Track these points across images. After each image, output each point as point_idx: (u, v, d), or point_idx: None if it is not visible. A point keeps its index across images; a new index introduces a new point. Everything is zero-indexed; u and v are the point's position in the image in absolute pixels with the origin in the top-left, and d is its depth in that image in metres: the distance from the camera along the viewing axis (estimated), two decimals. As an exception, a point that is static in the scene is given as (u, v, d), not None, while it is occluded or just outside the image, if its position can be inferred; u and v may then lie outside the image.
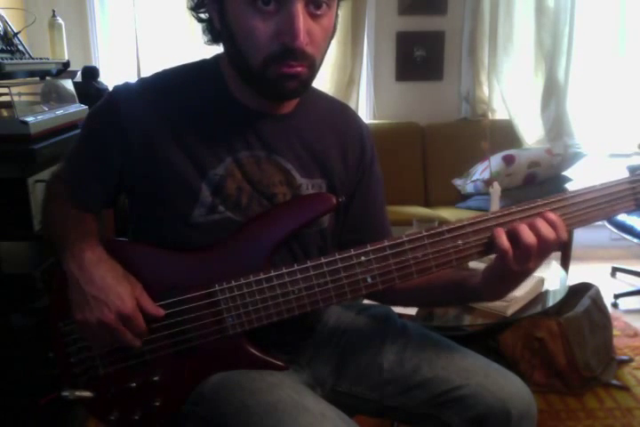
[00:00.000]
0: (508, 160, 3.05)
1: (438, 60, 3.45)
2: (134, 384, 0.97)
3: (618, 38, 3.34)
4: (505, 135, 3.24)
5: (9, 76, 1.60)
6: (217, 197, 0.97)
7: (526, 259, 0.90)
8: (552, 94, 3.33)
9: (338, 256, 0.93)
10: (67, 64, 1.97)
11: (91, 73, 2.33)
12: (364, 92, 3.47)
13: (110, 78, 2.87)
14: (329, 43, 0.94)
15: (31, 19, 2.14)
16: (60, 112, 1.76)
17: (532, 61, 3.34)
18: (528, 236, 0.88)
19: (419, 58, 3.43)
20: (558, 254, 2.84)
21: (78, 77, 2.28)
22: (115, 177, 1.01)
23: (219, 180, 0.97)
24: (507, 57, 3.32)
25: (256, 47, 0.87)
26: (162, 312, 0.94)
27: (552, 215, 0.90)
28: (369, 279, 0.93)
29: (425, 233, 0.92)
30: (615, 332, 2.41)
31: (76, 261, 0.93)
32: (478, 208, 3.00)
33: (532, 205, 0.93)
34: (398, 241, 0.92)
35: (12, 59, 1.62)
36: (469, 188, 3.16)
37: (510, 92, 3.36)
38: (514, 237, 0.89)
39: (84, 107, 1.94)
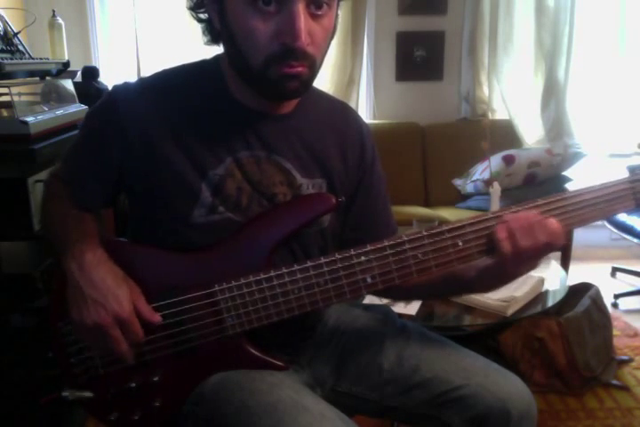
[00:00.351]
0: (508, 160, 3.06)
1: (438, 60, 3.45)
2: (134, 384, 0.97)
3: (618, 38, 3.33)
4: (505, 135, 3.24)
5: (9, 76, 1.61)
6: (217, 198, 0.97)
7: (522, 261, 0.91)
8: (552, 94, 3.33)
9: (338, 256, 0.93)
10: (67, 64, 1.97)
11: (91, 73, 2.33)
12: (364, 92, 3.47)
13: (110, 78, 2.87)
14: (329, 43, 0.94)
15: (31, 19, 2.14)
16: (60, 112, 1.76)
17: (532, 61, 3.34)
18: (525, 239, 0.89)
19: (419, 58, 3.43)
20: (558, 254, 2.84)
21: (78, 77, 2.28)
22: (114, 177, 1.00)
23: (219, 180, 0.97)
24: (507, 57, 3.32)
25: (256, 47, 0.87)
26: (157, 318, 0.93)
27: (553, 222, 0.90)
28: (369, 279, 0.93)
29: (425, 233, 0.92)
30: (615, 332, 2.41)
31: (76, 261, 0.93)
32: (478, 208, 3.00)
33: (533, 204, 0.93)
34: (398, 241, 0.93)
35: (12, 59, 1.62)
36: (469, 188, 3.16)
37: (510, 92, 3.35)
38: (512, 239, 0.90)
39: (83, 107, 1.94)
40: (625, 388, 2.14)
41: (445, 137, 3.34)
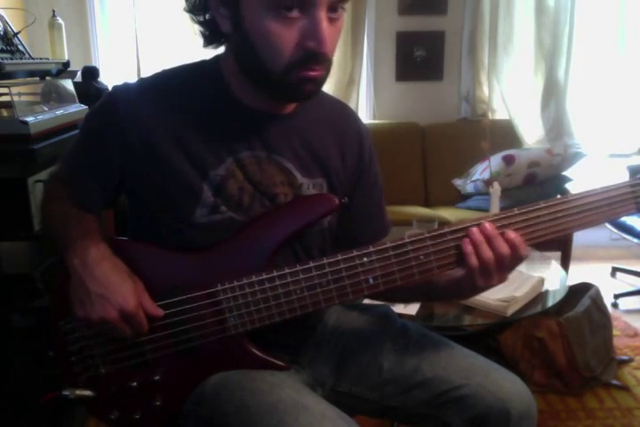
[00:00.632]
0: (508, 160, 3.06)
1: (438, 60, 3.45)
2: (135, 384, 0.97)
3: (618, 38, 3.34)
4: (505, 135, 3.24)
5: (9, 76, 1.60)
6: (219, 198, 0.97)
7: (488, 274, 0.92)
8: (552, 94, 3.33)
9: (340, 257, 0.93)
10: (67, 64, 1.97)
11: (91, 73, 2.33)
12: (364, 92, 3.47)
13: (110, 78, 2.87)
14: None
15: (31, 19, 2.14)
16: (59, 112, 1.76)
17: (532, 61, 3.34)
18: (486, 251, 0.90)
19: (419, 58, 3.43)
20: (558, 254, 2.83)
21: (78, 77, 2.28)
22: (114, 177, 1.00)
23: (220, 180, 0.97)
24: (507, 57, 3.32)
25: (279, 52, 0.87)
26: (161, 313, 0.94)
27: (511, 234, 0.91)
28: (371, 280, 0.93)
29: (427, 234, 0.93)
30: (615, 332, 2.41)
31: (79, 257, 0.93)
32: (478, 208, 3.01)
33: (534, 207, 0.94)
34: (400, 242, 0.93)
35: (12, 59, 1.62)
36: (469, 188, 3.16)
37: (510, 92, 3.36)
38: (477, 252, 0.91)
39: (83, 107, 1.94)
40: (625, 388, 2.14)
41: (445, 137, 3.35)
